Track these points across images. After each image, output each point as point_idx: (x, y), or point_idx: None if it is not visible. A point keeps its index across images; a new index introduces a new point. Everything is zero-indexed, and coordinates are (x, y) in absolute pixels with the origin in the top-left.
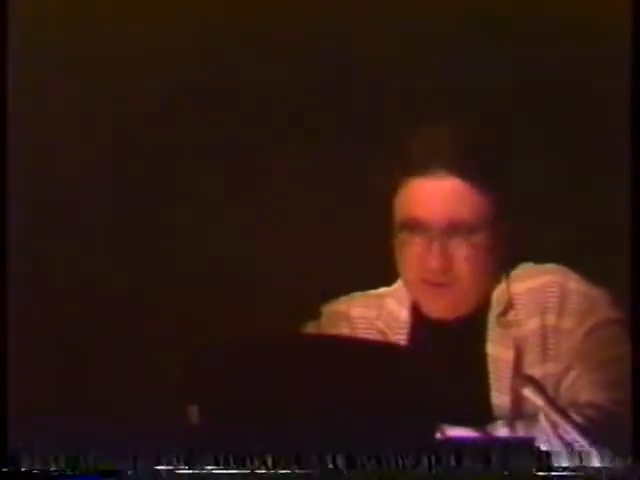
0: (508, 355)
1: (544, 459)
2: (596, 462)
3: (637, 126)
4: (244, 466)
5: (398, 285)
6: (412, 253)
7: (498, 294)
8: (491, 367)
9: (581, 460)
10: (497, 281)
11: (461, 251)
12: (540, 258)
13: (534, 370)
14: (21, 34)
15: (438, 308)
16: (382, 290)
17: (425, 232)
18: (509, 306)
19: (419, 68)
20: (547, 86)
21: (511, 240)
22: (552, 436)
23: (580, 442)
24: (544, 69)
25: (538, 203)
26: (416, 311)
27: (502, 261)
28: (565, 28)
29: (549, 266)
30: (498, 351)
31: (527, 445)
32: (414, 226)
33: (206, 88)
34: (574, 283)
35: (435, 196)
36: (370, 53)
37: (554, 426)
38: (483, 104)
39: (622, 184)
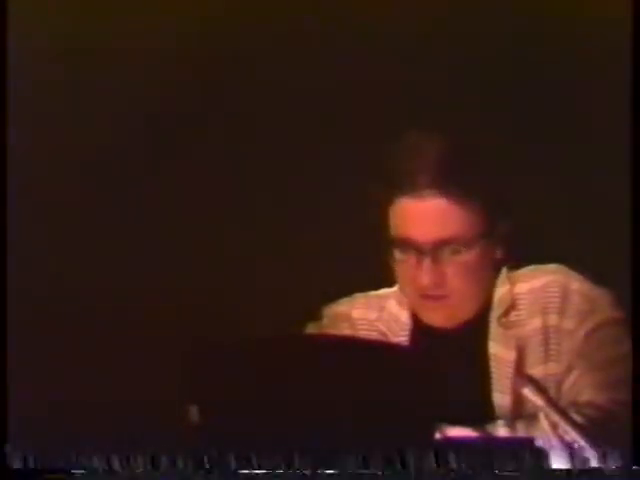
0: (510, 355)
1: (544, 459)
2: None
3: (637, 126)
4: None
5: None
6: (405, 270)
7: (500, 295)
8: (493, 367)
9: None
10: (495, 284)
11: (452, 266)
12: (541, 259)
13: (536, 370)
14: (21, 36)
15: (438, 318)
16: (383, 291)
17: (415, 250)
18: (511, 307)
19: (410, 82)
20: (546, 86)
21: (507, 245)
22: (552, 436)
23: (580, 442)
24: (540, 74)
25: (536, 208)
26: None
27: (498, 265)
28: (564, 28)
29: (551, 266)
30: (500, 351)
31: (527, 445)
32: (405, 245)
33: (206, 89)
34: (576, 283)
35: (422, 217)
36: (364, 70)
37: (554, 426)
38: (482, 109)
39: (622, 184)
